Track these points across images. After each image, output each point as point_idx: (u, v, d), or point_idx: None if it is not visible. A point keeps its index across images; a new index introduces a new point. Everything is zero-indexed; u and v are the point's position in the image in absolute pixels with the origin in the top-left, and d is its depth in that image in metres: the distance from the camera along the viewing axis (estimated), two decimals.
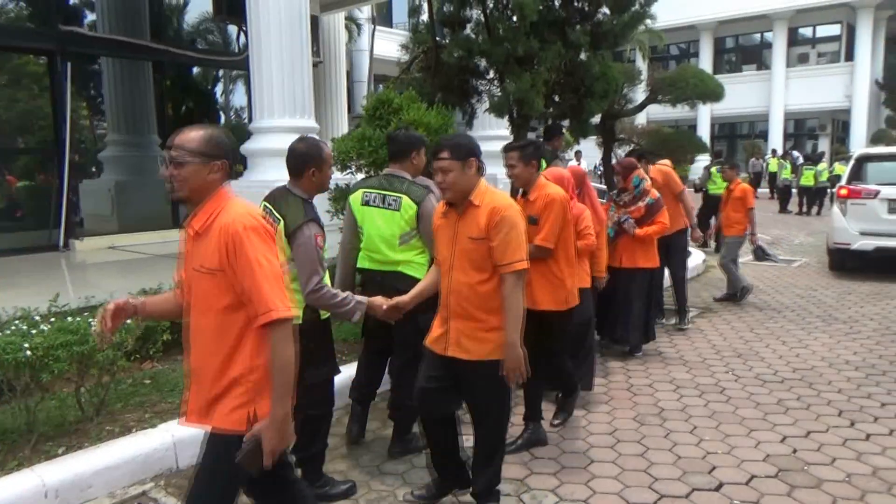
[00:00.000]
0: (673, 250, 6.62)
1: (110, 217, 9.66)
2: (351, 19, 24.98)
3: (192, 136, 2.14)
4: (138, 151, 10.35)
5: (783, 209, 18.70)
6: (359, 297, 3.15)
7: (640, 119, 27.03)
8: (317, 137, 3.46)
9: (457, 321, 2.96)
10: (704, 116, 32.10)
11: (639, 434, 4.16)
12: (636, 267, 5.46)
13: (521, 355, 2.85)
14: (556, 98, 7.66)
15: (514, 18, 6.73)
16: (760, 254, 8.27)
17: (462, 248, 2.94)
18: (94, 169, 11.41)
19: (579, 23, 7.07)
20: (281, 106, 7.41)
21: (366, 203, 3.73)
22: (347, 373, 4.38)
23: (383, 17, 24.66)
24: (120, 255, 7.79)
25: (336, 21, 12.19)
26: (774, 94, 31.38)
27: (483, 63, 7.38)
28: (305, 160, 3.17)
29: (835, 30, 32.01)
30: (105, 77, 10.11)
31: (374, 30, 22.03)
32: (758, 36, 33.92)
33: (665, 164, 6.79)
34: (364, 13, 24.79)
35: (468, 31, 7.17)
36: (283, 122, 7.43)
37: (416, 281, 3.44)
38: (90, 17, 10.32)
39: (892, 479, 3.52)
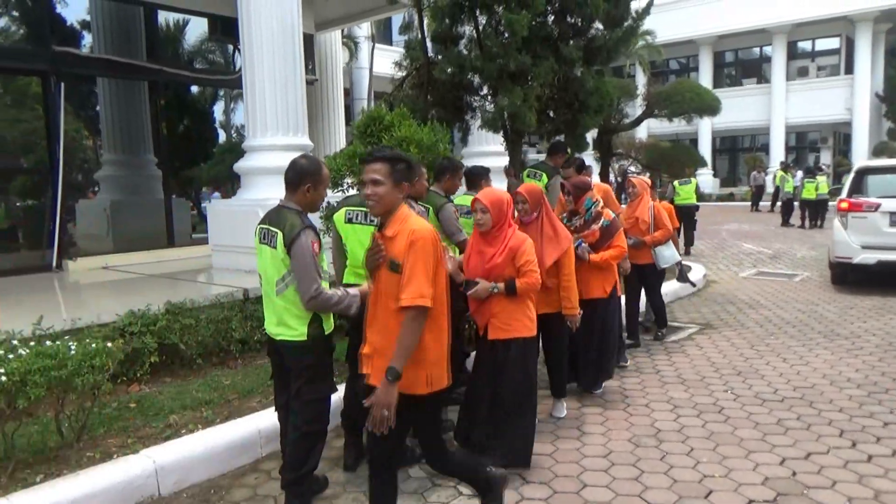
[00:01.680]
0: (646, 273, 6.47)
1: (106, 237, 9.62)
2: (350, 38, 25.11)
3: None
4: (134, 171, 10.33)
5: (785, 223, 18.58)
6: (351, 290, 3.26)
7: (642, 133, 27.08)
8: (320, 158, 3.46)
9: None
10: (705, 130, 32.08)
11: (634, 457, 4.05)
12: (592, 298, 4.81)
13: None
14: (551, 113, 7.61)
15: (507, 34, 6.69)
16: (684, 275, 7.98)
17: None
18: (96, 188, 11.40)
19: (572, 38, 7.03)
20: (274, 124, 7.37)
21: (349, 221, 3.87)
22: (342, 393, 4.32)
23: (382, 34, 24.77)
24: (113, 275, 7.72)
25: (332, 39, 12.21)
26: (775, 107, 31.37)
27: (476, 79, 7.35)
28: (304, 175, 3.25)
29: (834, 43, 32.06)
30: (101, 97, 10.11)
31: (373, 47, 22.14)
32: (757, 50, 33.98)
33: (643, 179, 6.69)
34: (363, 31, 24.93)
35: (461, 47, 7.13)
36: (276, 140, 7.39)
37: None
38: (87, 37, 10.32)
39: None
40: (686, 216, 12.56)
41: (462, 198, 5.31)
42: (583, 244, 4.84)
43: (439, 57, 7.16)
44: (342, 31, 23.24)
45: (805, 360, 5.98)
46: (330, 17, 11.15)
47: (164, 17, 11.09)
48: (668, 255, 6.42)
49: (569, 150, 7.38)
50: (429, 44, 7.49)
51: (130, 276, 7.57)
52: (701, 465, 3.90)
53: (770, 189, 23.96)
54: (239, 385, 4.93)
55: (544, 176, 6.82)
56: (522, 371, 3.81)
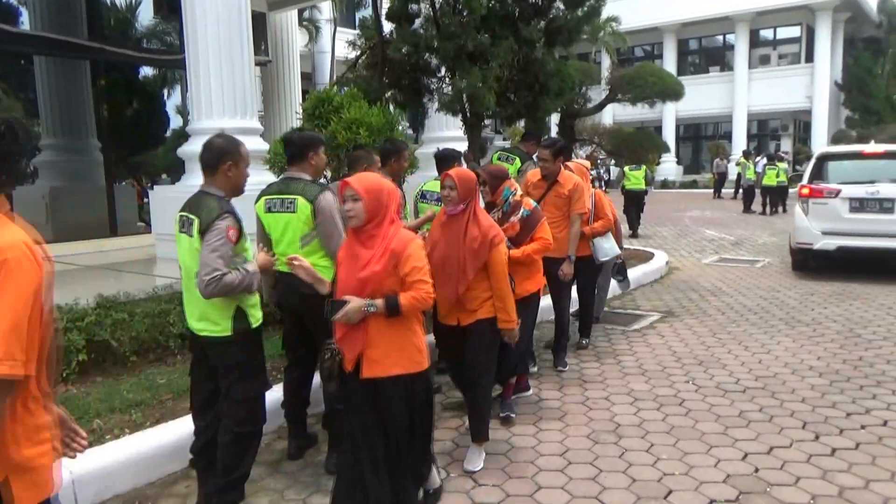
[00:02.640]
0: (582, 267, 5.55)
1: (45, 225, 9.10)
2: (311, 21, 24.54)
3: None
4: (76, 156, 9.78)
5: (747, 209, 18.71)
6: (248, 266, 3.04)
7: (607, 119, 27.04)
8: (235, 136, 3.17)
9: None
10: (670, 117, 32.26)
11: (592, 454, 3.85)
12: (520, 298, 3.93)
13: None
14: (512, 96, 7.36)
15: (465, 13, 6.41)
16: (620, 271, 6.80)
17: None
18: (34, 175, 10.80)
19: (533, 18, 6.77)
20: (220, 106, 6.99)
21: (268, 210, 3.65)
22: (277, 393, 4.05)
23: (345, 18, 24.19)
24: (47, 266, 7.26)
25: (287, 19, 11.76)
26: (737, 95, 31.66)
27: (434, 60, 7.06)
28: (222, 154, 3.02)
29: (795, 31, 32.43)
30: (38, 77, 9.52)
31: (334, 30, 21.61)
32: (720, 38, 34.22)
33: (583, 163, 5.95)
34: (325, 14, 24.35)
35: (417, 26, 6.83)
36: (222, 123, 6.96)
37: None
38: (22, 12, 9.73)
39: (860, 501, 3.25)
40: (635, 201, 13.74)
41: (432, 183, 5.16)
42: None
43: (394, 36, 6.84)
44: (301, 13, 22.77)
45: (767, 347, 5.87)
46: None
47: None
48: (608, 247, 5.72)
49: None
50: (386, 23, 7.16)
51: (67, 268, 7.12)
52: (661, 462, 3.72)
53: (732, 177, 24.17)
54: (175, 384, 4.59)
55: (517, 160, 6.56)
56: (409, 415, 2.80)
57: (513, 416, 4.35)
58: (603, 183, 14.22)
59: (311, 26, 24.21)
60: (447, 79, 6.97)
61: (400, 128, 5.60)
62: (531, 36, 6.56)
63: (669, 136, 31.57)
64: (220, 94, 6.97)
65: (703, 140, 35.94)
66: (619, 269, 6.63)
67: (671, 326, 6.72)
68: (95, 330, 4.79)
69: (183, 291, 3.21)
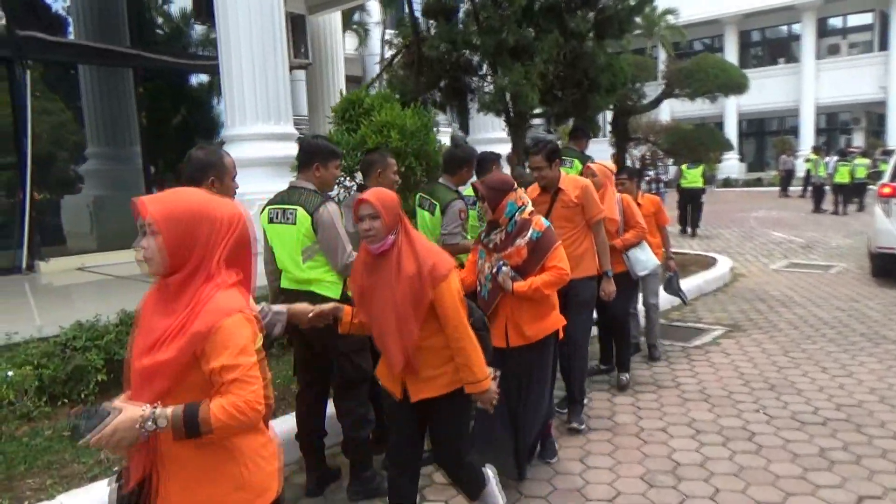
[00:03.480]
0: (618, 285, 4.67)
1: (89, 235, 9.13)
2: (361, 24, 24.44)
3: None
4: (119, 165, 9.78)
5: (817, 209, 17.57)
6: (276, 307, 2.58)
7: (665, 116, 26.02)
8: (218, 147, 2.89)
9: None
10: (732, 113, 30.94)
11: (646, 500, 3.36)
12: (517, 346, 3.33)
13: None
14: (560, 94, 6.87)
15: (505, 5, 5.96)
16: (674, 285, 6.02)
17: None
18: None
19: (580, 8, 6.28)
20: (254, 111, 6.75)
21: (271, 220, 3.43)
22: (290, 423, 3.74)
23: (393, 19, 23.96)
24: (87, 277, 7.20)
25: (329, 21, 11.53)
26: (804, 87, 30.08)
27: (476, 57, 6.65)
28: (204, 168, 2.76)
29: (867, 18, 30.62)
30: (82, 86, 9.56)
31: (383, 33, 21.38)
32: (785, 28, 32.64)
33: (606, 165, 4.85)
34: (374, 17, 24.22)
35: (456, 21, 6.42)
36: (257, 129, 6.78)
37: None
38: (66, 21, 9.76)
39: None
40: (692, 199, 13.58)
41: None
42: (504, 267, 3.29)
43: (432, 33, 6.45)
44: (350, 16, 22.65)
45: (848, 369, 5.22)
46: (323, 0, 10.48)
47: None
48: (645, 259, 4.97)
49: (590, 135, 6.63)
50: (422, 20, 6.79)
51: (103, 278, 7.03)
52: None
53: (800, 173, 22.88)
54: None
55: (575, 162, 6.08)
56: None
57: (551, 460, 3.83)
58: (662, 185, 13.66)
59: (360, 29, 24.12)
60: (489, 77, 6.54)
61: (436, 129, 5.19)
62: (578, 28, 6.07)
63: (732, 132, 30.24)
64: (253, 99, 6.73)
65: (767, 136, 34.33)
66: (669, 282, 5.93)
67: (737, 343, 6.11)
68: (115, 348, 4.57)
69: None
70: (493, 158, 4.91)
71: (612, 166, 4.75)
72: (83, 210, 9.21)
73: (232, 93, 6.78)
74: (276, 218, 3.40)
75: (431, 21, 6.48)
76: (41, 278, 7.30)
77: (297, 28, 9.34)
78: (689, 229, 13.64)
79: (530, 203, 3.41)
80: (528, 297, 3.26)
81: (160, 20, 11.48)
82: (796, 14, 30.24)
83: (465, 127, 8.01)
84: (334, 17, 11.60)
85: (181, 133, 11.10)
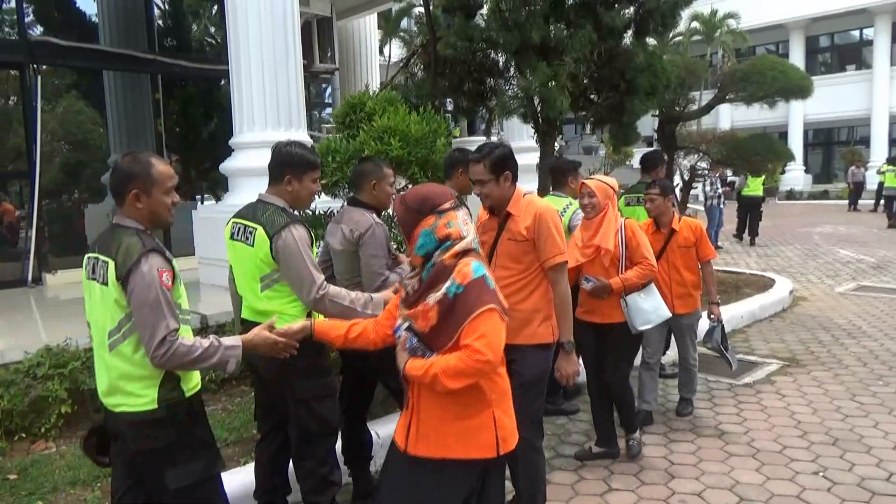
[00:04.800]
0: (612, 338, 3.81)
1: None
2: (408, 31, 24.16)
3: None
4: None
5: (892, 225, 16.18)
6: (228, 340, 2.32)
7: (724, 124, 24.76)
8: (150, 153, 2.41)
9: None
10: (797, 121, 29.34)
11: None
12: (445, 459, 2.10)
13: None
14: (595, 97, 6.23)
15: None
16: (718, 339, 4.61)
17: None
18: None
19: (617, 2, 5.62)
20: (262, 116, 6.33)
21: (232, 236, 2.97)
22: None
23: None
24: None
25: (362, 25, 11.14)
26: (877, 95, 28.22)
27: (501, 58, 6.08)
28: (125, 181, 2.30)
29: None
30: (107, 92, 9.41)
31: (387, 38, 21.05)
32: (856, 33, 30.83)
33: (605, 182, 3.80)
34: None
35: (479, 19, 5.86)
36: (265, 136, 6.31)
37: None
38: (93, 27, 9.64)
39: None
40: (752, 208, 13.74)
41: (552, 199, 4.46)
42: (403, 332, 2.16)
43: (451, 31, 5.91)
44: (399, 22, 22.36)
45: None
46: (353, 4, 10.08)
47: (167, 3, 10.38)
48: (649, 308, 3.68)
49: (664, 157, 5.77)
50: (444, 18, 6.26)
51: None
52: None
53: (871, 186, 21.35)
54: None
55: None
56: None
57: None
58: (722, 201, 12.98)
59: (407, 36, 23.88)
60: (514, 79, 5.94)
61: (446, 138, 4.62)
62: (614, 23, 5.42)
63: (796, 141, 28.67)
64: (262, 103, 6.31)
65: (835, 146, 32.47)
66: (711, 334, 4.61)
67: (795, 381, 5.31)
68: (81, 377, 4.15)
69: (94, 354, 2.44)
70: (567, 168, 4.54)
71: (614, 182, 3.83)
72: (104, 219, 9.01)
73: (241, 98, 6.38)
74: (237, 235, 2.93)
75: (451, 18, 5.94)
76: (46, 291, 7.04)
77: (323, 32, 8.96)
78: (745, 237, 13.76)
79: (469, 234, 2.15)
80: (427, 387, 2.08)
81: (181, 25, 11.34)
82: (869, 18, 28.50)
83: (488, 134, 7.43)
84: (368, 22, 11.22)
85: (200, 139, 10.88)
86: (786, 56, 30.10)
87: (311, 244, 2.85)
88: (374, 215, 3.25)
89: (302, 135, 6.64)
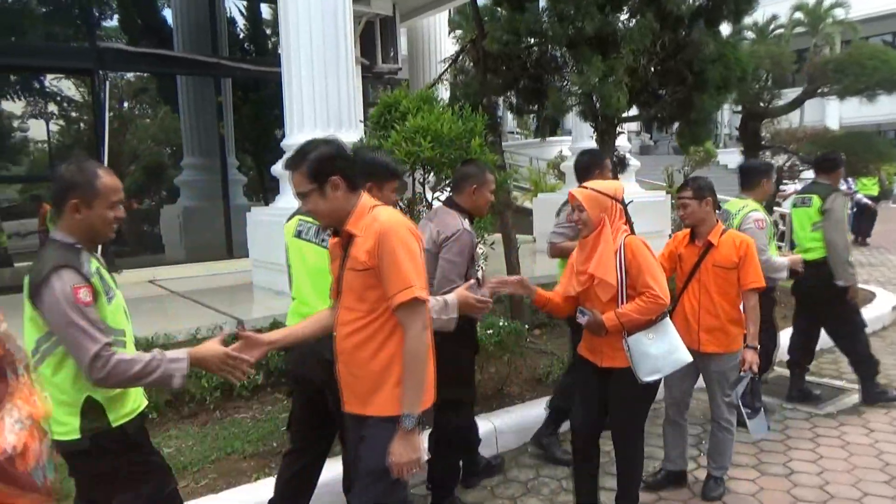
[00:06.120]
0: (619, 388, 2.99)
1: (179, 245, 9.23)
2: None
3: None
4: (208, 175, 9.79)
5: None
6: (172, 353, 2.12)
7: (832, 122, 22.97)
8: (93, 161, 2.28)
9: None
10: None
11: None
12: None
13: None
14: (662, 92, 5.74)
15: None
16: (739, 394, 3.43)
17: None
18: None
19: None
20: (312, 117, 6.23)
21: (298, 234, 2.86)
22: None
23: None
24: (151, 291, 7.03)
25: (431, 25, 10.93)
26: None
27: (557, 52, 5.70)
28: (64, 191, 2.16)
29: None
30: (180, 97, 9.74)
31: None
32: None
33: (602, 190, 2.97)
34: None
35: (530, 9, 5.50)
36: (315, 137, 6.23)
37: None
38: (168, 33, 9.98)
39: None
40: (864, 207, 13.48)
41: (732, 203, 4.44)
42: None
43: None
44: (453, 17, 22.07)
45: None
46: (417, 3, 9.91)
47: (234, 7, 10.59)
48: (658, 353, 2.84)
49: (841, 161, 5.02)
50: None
51: (162, 294, 6.85)
52: None
53: None
54: (189, 454, 3.76)
55: (814, 199, 4.69)
56: None
57: None
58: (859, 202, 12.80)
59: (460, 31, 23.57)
60: (571, 75, 5.55)
61: (482, 139, 4.32)
62: (679, 10, 4.93)
63: None
64: (311, 104, 6.23)
65: None
66: (733, 385, 3.44)
67: (887, 413, 4.64)
68: None
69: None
70: (594, 162, 3.91)
71: (616, 188, 2.97)
72: (175, 220, 9.31)
73: (291, 99, 6.33)
74: (305, 234, 2.82)
75: (501, 11, 5.61)
76: None
77: (385, 32, 8.83)
78: (858, 238, 13.41)
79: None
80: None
81: (248, 29, 11.59)
82: None
83: (542, 134, 7.03)
84: (437, 21, 11.01)
85: (262, 141, 11.07)
86: None
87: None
88: (466, 221, 3.19)
89: (353, 135, 6.48)
